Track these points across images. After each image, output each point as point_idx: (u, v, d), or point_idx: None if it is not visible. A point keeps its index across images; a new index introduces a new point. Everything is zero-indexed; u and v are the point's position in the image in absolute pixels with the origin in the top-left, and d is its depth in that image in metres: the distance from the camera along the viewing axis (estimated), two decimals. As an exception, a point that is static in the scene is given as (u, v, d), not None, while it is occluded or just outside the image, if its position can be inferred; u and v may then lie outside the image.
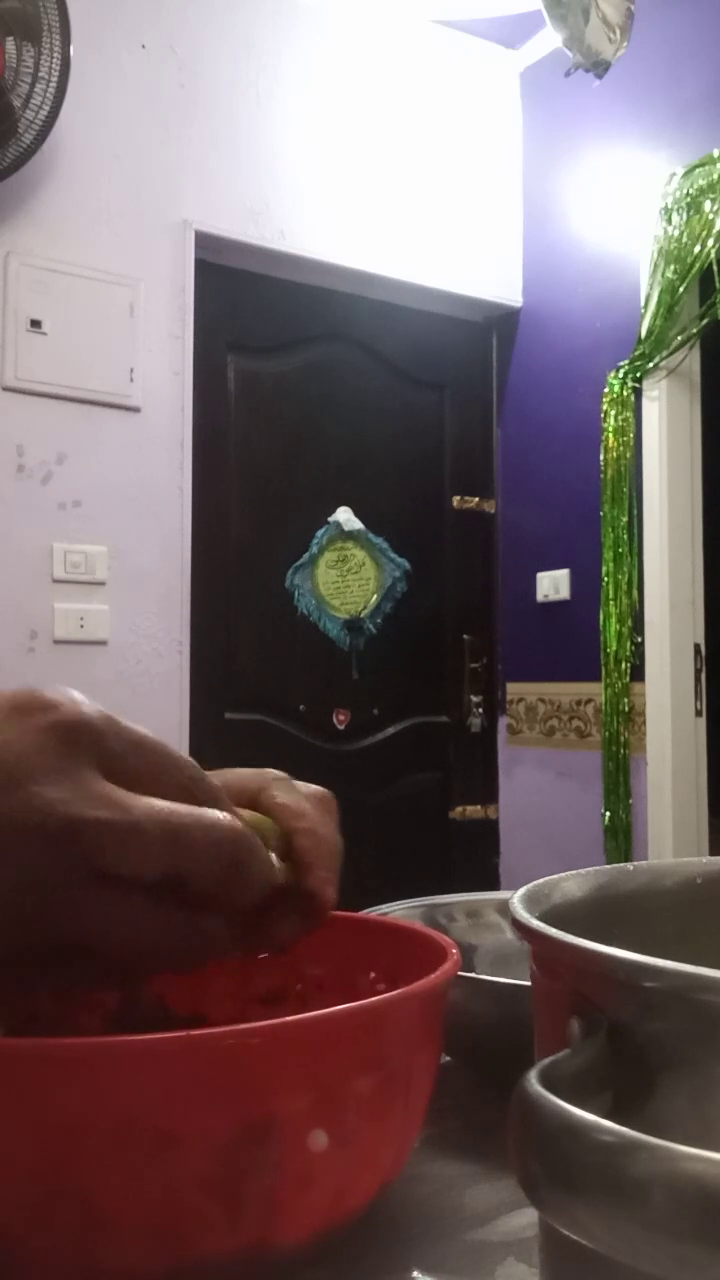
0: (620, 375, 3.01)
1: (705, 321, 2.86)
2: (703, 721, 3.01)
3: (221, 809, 0.38)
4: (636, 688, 2.99)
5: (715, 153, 2.78)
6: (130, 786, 0.36)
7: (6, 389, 2.60)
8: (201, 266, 2.90)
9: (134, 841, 0.35)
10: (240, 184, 2.95)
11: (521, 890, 0.33)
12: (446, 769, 3.40)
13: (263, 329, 3.10)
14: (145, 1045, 0.35)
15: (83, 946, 0.36)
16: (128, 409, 2.75)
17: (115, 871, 0.35)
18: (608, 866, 0.37)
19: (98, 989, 0.38)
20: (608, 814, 3.02)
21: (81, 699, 0.37)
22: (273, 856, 0.41)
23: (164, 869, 0.36)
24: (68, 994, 0.47)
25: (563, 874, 0.36)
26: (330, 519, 3.16)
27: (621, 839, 3.00)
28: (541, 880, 0.34)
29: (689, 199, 2.84)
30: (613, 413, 3.03)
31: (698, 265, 2.81)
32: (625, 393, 3.01)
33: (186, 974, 0.39)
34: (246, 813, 0.42)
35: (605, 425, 3.04)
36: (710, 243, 2.78)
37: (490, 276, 3.40)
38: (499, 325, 3.51)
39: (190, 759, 0.39)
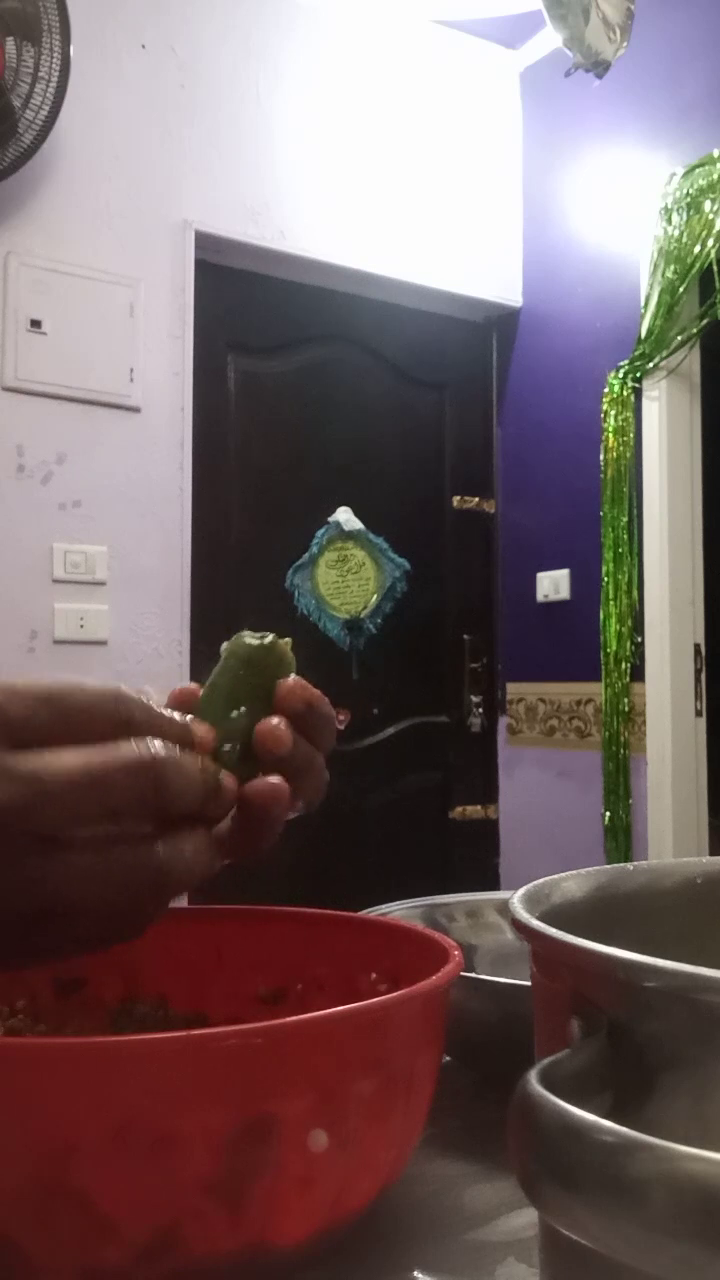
0: (620, 375, 3.01)
1: (705, 321, 2.86)
2: (703, 721, 3.01)
3: (139, 733, 0.38)
4: (636, 688, 2.99)
5: (715, 153, 2.78)
6: (45, 742, 0.36)
7: (6, 389, 2.60)
8: (201, 266, 2.90)
9: (49, 806, 0.35)
10: (240, 184, 2.95)
11: (521, 890, 0.33)
12: (446, 769, 3.40)
13: (263, 329, 3.10)
14: (145, 1045, 0.35)
15: (53, 912, 0.36)
16: (128, 409, 2.75)
17: (49, 835, 0.35)
18: (608, 866, 0.37)
19: (79, 953, 0.38)
20: (608, 814, 3.02)
21: None
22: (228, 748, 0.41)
23: (94, 816, 0.36)
24: (54, 965, 0.47)
25: (563, 874, 0.36)
26: (330, 519, 3.16)
27: (621, 839, 3.00)
28: (541, 880, 0.34)
29: (689, 199, 2.84)
30: (613, 413, 3.03)
31: (698, 265, 2.81)
32: (625, 393, 3.01)
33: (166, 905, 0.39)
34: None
35: (605, 425, 3.04)
36: (710, 243, 2.78)
37: (490, 276, 3.40)
38: (499, 325, 3.51)
39: (112, 690, 0.38)
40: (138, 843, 0.37)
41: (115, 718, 0.38)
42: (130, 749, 0.37)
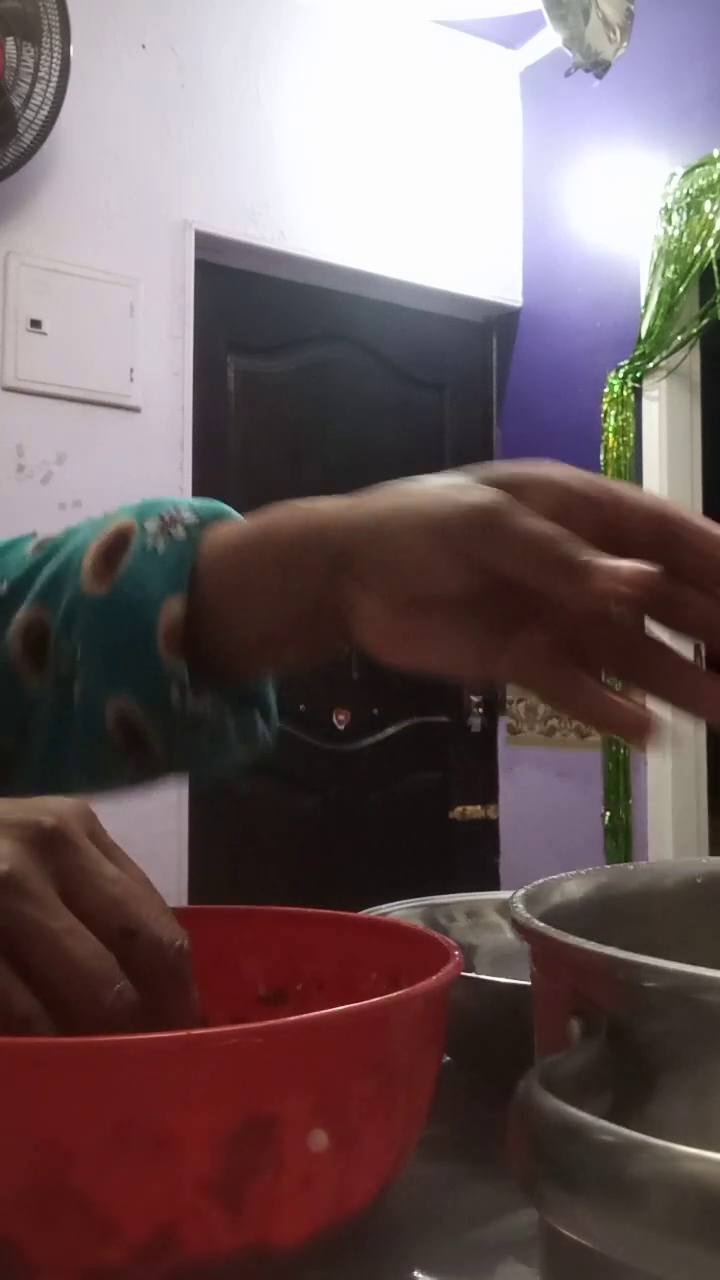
0: (620, 375, 3.01)
1: (705, 321, 2.86)
2: (703, 721, 3.01)
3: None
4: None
5: (715, 153, 2.79)
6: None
7: (6, 389, 2.60)
8: (201, 266, 2.90)
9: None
10: (240, 184, 2.95)
11: (521, 890, 0.33)
12: (446, 769, 3.40)
13: (263, 329, 3.10)
14: (145, 1045, 0.35)
15: None
16: (128, 409, 2.75)
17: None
18: (608, 866, 0.37)
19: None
20: (608, 814, 3.02)
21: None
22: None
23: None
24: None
25: (563, 874, 0.36)
26: (330, 519, 3.16)
27: (621, 839, 3.00)
28: (541, 880, 0.34)
29: (689, 199, 2.84)
30: (613, 413, 3.03)
31: (698, 265, 2.81)
32: (625, 393, 3.01)
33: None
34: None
35: (605, 425, 3.04)
36: (710, 243, 2.78)
37: (490, 276, 3.40)
38: (499, 325, 3.51)
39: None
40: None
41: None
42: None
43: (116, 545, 0.51)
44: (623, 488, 0.41)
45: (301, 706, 3.11)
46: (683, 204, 2.85)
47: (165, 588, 0.48)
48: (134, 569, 0.49)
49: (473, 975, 0.55)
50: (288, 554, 0.49)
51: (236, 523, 0.53)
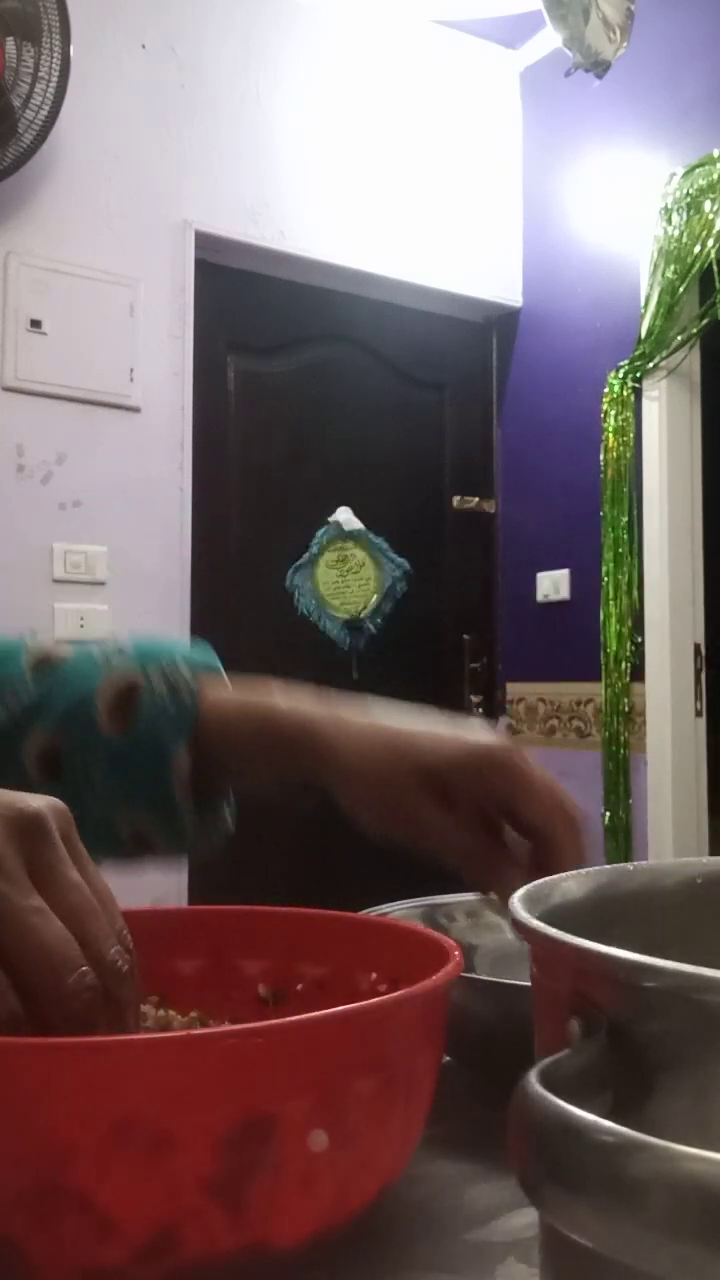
0: (620, 375, 3.01)
1: (705, 321, 2.86)
2: (703, 721, 3.01)
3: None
4: (636, 688, 2.99)
5: (715, 153, 2.79)
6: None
7: (6, 389, 2.60)
8: (201, 266, 2.90)
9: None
10: (240, 184, 2.95)
11: (521, 890, 0.33)
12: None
13: (263, 329, 3.10)
14: (145, 1045, 0.35)
15: None
16: (127, 409, 2.75)
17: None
18: (608, 866, 0.37)
19: None
20: (608, 814, 3.02)
21: None
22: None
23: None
24: None
25: (563, 874, 0.36)
26: (330, 519, 3.16)
27: (621, 839, 3.00)
28: (541, 880, 0.34)
29: (689, 199, 2.84)
30: (613, 413, 3.03)
31: (698, 265, 2.81)
32: (625, 393, 3.01)
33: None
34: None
35: (605, 425, 3.04)
36: (710, 243, 2.78)
37: (490, 276, 3.40)
38: (499, 325, 3.51)
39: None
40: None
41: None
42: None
43: (127, 694, 0.61)
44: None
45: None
46: (683, 204, 2.85)
47: (176, 738, 0.59)
48: (146, 718, 0.60)
49: (473, 975, 0.55)
50: (278, 746, 0.60)
51: (228, 692, 0.64)
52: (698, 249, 2.81)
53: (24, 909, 0.37)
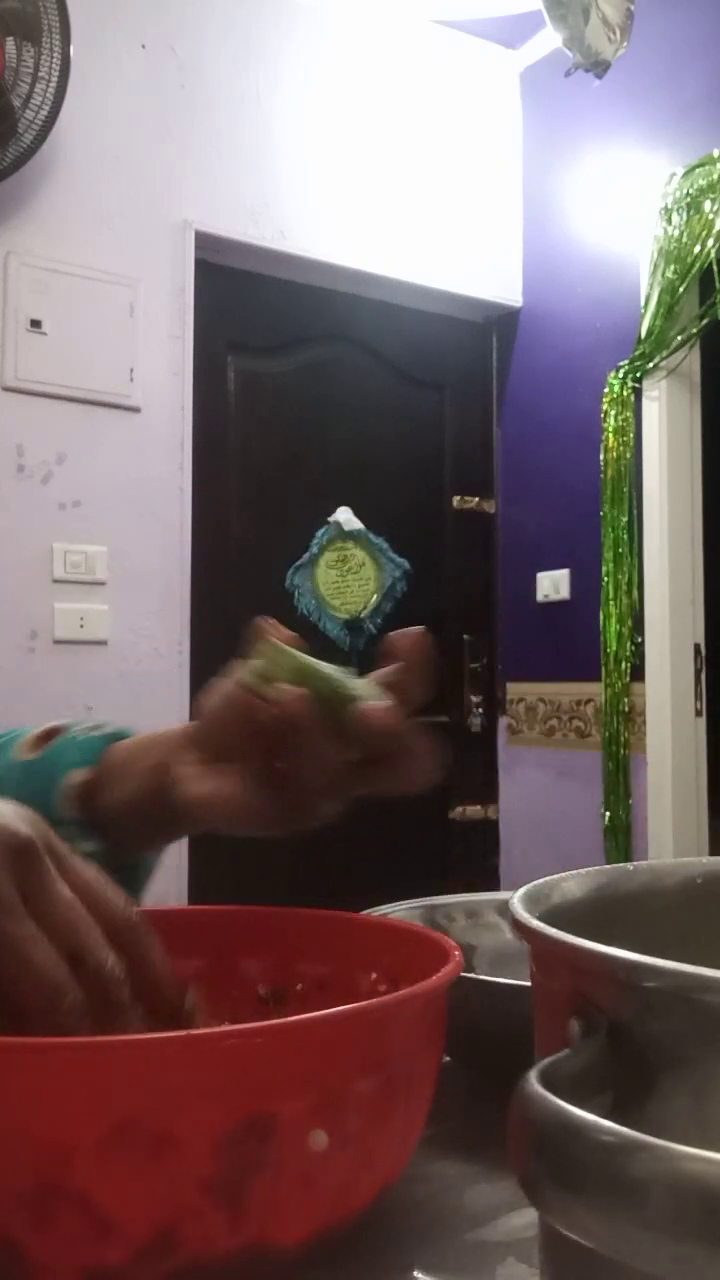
0: (620, 375, 3.01)
1: (705, 321, 2.86)
2: (703, 721, 3.01)
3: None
4: (636, 688, 2.99)
5: (715, 153, 2.78)
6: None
7: (6, 389, 2.60)
8: (201, 266, 2.90)
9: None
10: (240, 184, 2.95)
11: (521, 890, 0.33)
12: (446, 769, 3.39)
13: (263, 329, 3.10)
14: (145, 1045, 0.35)
15: None
16: (127, 409, 2.75)
17: None
18: (608, 866, 0.37)
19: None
20: (608, 814, 3.02)
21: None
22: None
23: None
24: None
25: (563, 874, 0.36)
26: (330, 519, 3.16)
27: (621, 839, 3.00)
28: (541, 880, 0.34)
29: (689, 199, 2.84)
30: (613, 413, 3.03)
31: (698, 265, 2.81)
32: (625, 393, 3.01)
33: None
34: None
35: (605, 425, 3.04)
36: (710, 243, 2.78)
37: (490, 276, 3.40)
38: (499, 325, 3.51)
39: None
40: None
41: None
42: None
43: (52, 731, 0.64)
44: None
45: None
46: (683, 204, 2.85)
47: (78, 763, 0.61)
48: (58, 747, 0.63)
49: (473, 975, 0.55)
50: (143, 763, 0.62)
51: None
52: (698, 249, 2.81)
53: (19, 938, 0.39)
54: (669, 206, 2.88)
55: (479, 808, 3.44)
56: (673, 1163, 0.20)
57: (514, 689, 3.42)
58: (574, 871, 0.36)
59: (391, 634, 0.56)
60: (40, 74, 2.52)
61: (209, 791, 0.53)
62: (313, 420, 3.17)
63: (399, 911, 0.66)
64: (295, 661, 0.54)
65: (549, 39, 2.81)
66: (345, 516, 3.18)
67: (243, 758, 0.54)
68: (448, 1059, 0.47)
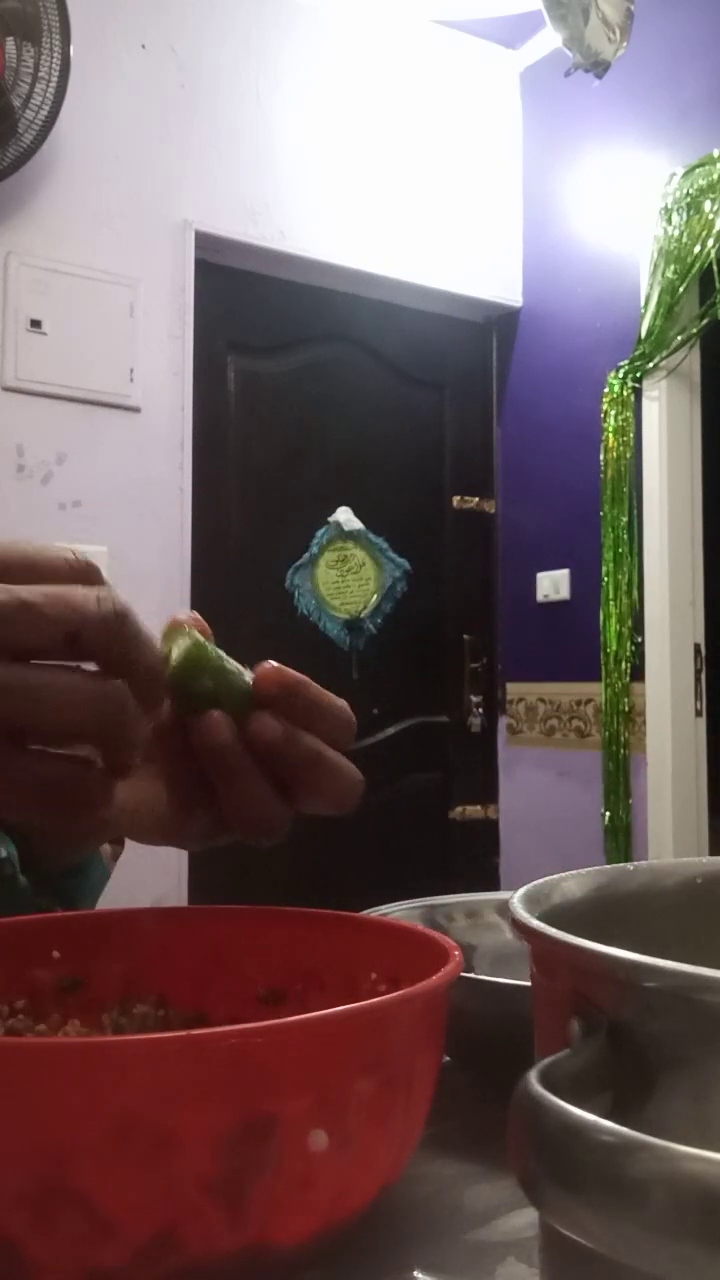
0: (620, 375, 3.01)
1: (705, 321, 2.86)
2: (703, 721, 3.01)
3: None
4: (636, 688, 2.99)
5: (715, 153, 2.79)
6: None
7: (6, 389, 2.60)
8: (201, 266, 2.91)
9: (24, 614, 0.38)
10: (240, 184, 2.95)
11: (521, 890, 0.33)
12: (446, 769, 3.40)
13: (263, 329, 3.10)
14: (145, 1045, 0.35)
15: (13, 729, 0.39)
16: (128, 409, 2.75)
17: (19, 645, 0.38)
18: (608, 866, 0.37)
19: (47, 805, 0.41)
20: (608, 814, 3.02)
21: None
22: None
23: (54, 635, 0.39)
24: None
25: (563, 874, 0.36)
26: (330, 519, 3.16)
27: (621, 839, 3.00)
28: (541, 880, 0.34)
29: (689, 199, 2.84)
30: (613, 413, 3.03)
31: (698, 265, 2.81)
32: (625, 393, 3.01)
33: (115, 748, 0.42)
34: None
35: (605, 425, 3.04)
36: (710, 243, 2.78)
37: (490, 276, 3.40)
38: (499, 325, 3.51)
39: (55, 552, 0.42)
40: (97, 674, 0.40)
41: (79, 567, 0.42)
42: (92, 589, 0.40)
43: None
44: None
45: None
46: (683, 204, 2.85)
47: None
48: None
49: (473, 975, 0.55)
50: None
51: None
52: (698, 249, 2.81)
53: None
54: (669, 206, 2.88)
55: (479, 808, 3.44)
56: (673, 1163, 0.20)
57: (514, 689, 3.42)
58: (574, 871, 0.36)
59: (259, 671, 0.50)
60: (40, 74, 2.53)
61: (120, 801, 0.50)
62: (312, 420, 3.17)
63: (399, 911, 0.66)
64: (209, 660, 0.51)
65: (549, 39, 2.81)
66: (345, 516, 3.18)
67: (162, 761, 0.50)
68: (448, 1059, 0.47)
